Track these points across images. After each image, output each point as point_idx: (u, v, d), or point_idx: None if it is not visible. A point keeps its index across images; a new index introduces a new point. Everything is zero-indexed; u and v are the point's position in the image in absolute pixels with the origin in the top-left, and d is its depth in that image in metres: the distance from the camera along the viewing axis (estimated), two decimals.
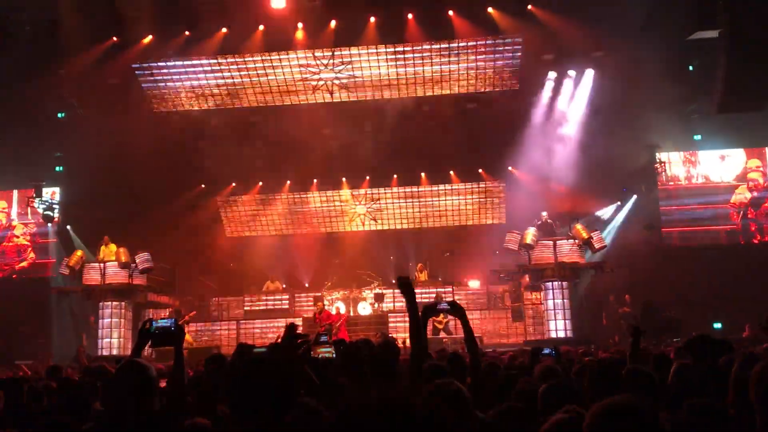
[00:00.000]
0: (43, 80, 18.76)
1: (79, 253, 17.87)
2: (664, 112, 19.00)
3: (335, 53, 19.53)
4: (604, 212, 20.82)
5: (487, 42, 19.19)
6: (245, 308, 20.00)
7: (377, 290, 19.19)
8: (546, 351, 7.05)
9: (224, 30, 19.16)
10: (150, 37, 19.36)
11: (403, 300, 4.01)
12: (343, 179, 22.35)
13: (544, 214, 18.38)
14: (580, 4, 17.26)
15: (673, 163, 21.50)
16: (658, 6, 17.43)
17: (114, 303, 17.50)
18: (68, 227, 21.27)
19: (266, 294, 20.24)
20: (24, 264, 22.39)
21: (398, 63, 19.65)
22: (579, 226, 17.24)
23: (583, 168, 19.01)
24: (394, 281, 21.29)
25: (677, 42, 18.08)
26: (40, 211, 20.70)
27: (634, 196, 20.96)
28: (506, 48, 19.33)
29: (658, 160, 20.86)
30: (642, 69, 17.73)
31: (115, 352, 16.70)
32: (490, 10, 18.53)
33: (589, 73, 19.98)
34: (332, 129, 21.09)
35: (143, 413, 3.04)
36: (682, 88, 18.81)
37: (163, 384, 3.91)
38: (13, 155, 20.02)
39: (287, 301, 19.93)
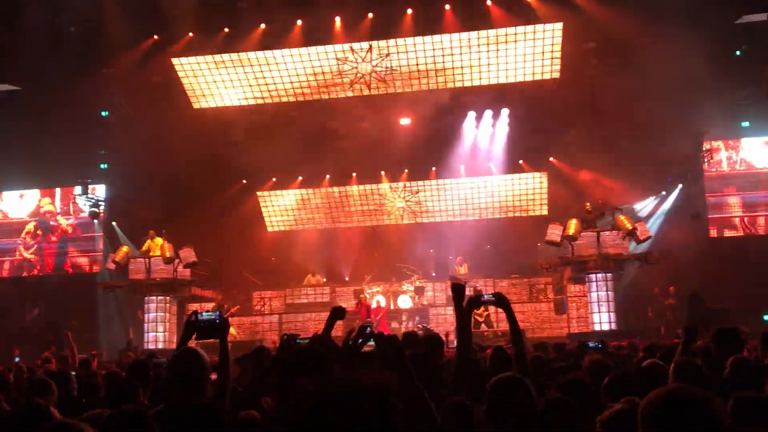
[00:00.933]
0: (88, 80, 19.15)
1: (124, 248, 18.22)
2: (711, 98, 18.49)
3: (372, 45, 19.52)
4: (643, 205, 20.33)
5: (527, 30, 18.94)
6: (286, 302, 20.17)
7: (417, 283, 19.16)
8: (592, 345, 6.97)
9: (263, 26, 19.31)
10: (190, 34, 19.63)
11: (446, 293, 4.03)
12: (382, 172, 22.35)
13: (588, 205, 18.06)
14: None
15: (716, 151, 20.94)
16: None
17: (159, 297, 17.82)
18: (113, 223, 21.70)
19: (307, 287, 20.39)
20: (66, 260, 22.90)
21: (436, 54, 19.53)
22: (623, 217, 16.94)
23: (626, 157, 18.66)
24: (434, 274, 21.28)
25: (724, 26, 17.59)
26: (86, 208, 21.15)
27: (680, 186, 20.50)
28: (546, 36, 19.05)
29: (704, 148, 20.30)
30: (687, 54, 17.24)
31: (161, 345, 17.02)
32: None
33: (632, 60, 19.55)
34: (371, 122, 21.11)
35: (197, 401, 3.07)
36: (730, 74, 18.29)
37: (213, 377, 3.96)
38: (58, 153, 20.47)
39: (328, 295, 20.05)
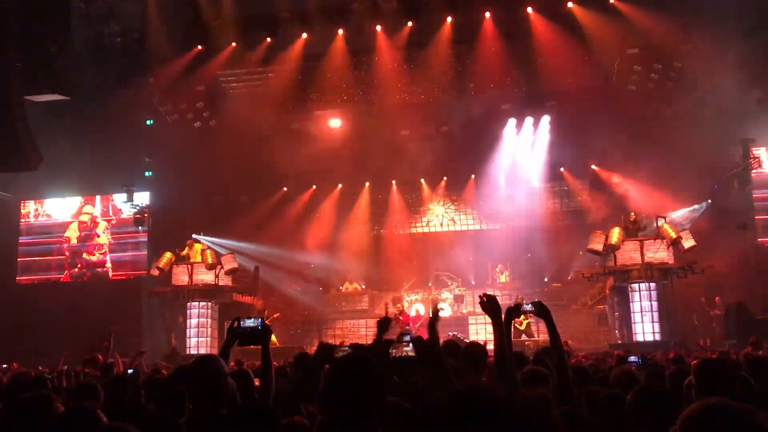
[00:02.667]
0: (133, 89, 19.58)
1: (168, 255, 18.50)
2: (758, 104, 18.05)
3: (412, 54, 19.56)
4: (687, 212, 19.83)
5: (568, 37, 18.78)
6: (325, 308, 20.27)
7: (457, 291, 19.08)
8: (632, 359, 6.75)
9: (304, 35, 19.51)
10: (233, 44, 19.94)
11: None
12: (422, 180, 22.33)
13: (632, 213, 17.74)
14: None
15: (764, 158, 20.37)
16: None
17: (201, 303, 18.06)
18: (157, 230, 22.06)
19: (346, 295, 20.45)
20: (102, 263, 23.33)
21: (476, 61, 19.47)
22: (666, 225, 16.61)
23: (669, 165, 18.30)
24: (473, 282, 21.16)
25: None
26: (131, 215, 21.55)
27: (725, 192, 19.99)
28: (588, 43, 18.85)
29: (751, 156, 19.78)
30: (730, 60, 16.87)
31: (202, 350, 17.22)
32: (570, 5, 18.15)
33: (676, 66, 19.23)
34: (410, 130, 21.15)
35: (220, 406, 3.11)
36: None
37: (256, 382, 4.00)
38: (103, 161, 20.89)
39: (366, 302, 20.08)
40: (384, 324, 3.98)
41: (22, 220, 23.45)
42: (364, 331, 18.82)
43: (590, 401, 3.68)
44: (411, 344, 4.75)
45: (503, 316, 4.05)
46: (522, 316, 15.45)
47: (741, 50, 16.48)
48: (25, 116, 16.65)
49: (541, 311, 4.18)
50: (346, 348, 3.82)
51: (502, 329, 3.97)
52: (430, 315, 4.18)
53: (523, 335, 16.72)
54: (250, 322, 3.86)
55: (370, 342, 4.22)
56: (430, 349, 3.90)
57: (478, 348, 4.56)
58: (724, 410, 1.89)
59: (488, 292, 4.10)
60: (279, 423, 3.09)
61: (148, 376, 5.70)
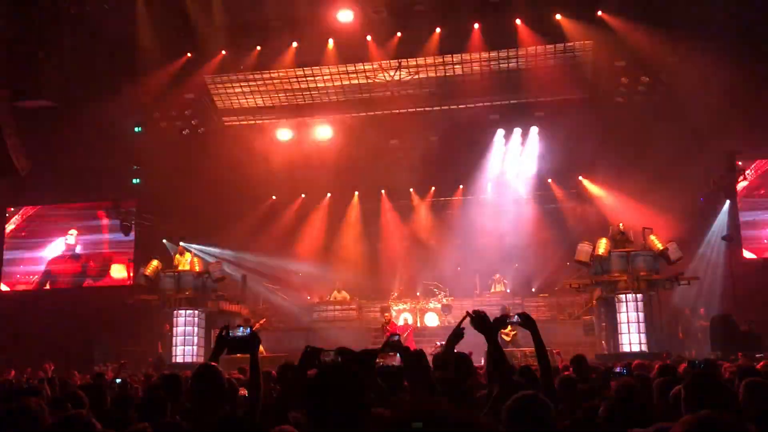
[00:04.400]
0: (121, 96, 19.50)
1: (154, 262, 18.38)
2: (743, 117, 18.22)
3: (401, 64, 19.64)
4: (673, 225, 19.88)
5: (556, 49, 18.93)
6: (313, 317, 20.21)
7: (444, 301, 19.08)
8: (618, 370, 6.81)
9: (294, 44, 19.54)
10: (223, 52, 19.93)
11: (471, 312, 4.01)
12: (411, 189, 22.38)
13: (621, 224, 17.78)
14: (652, 9, 16.82)
15: (749, 171, 20.54)
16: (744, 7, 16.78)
17: (188, 311, 17.95)
18: (164, 240, 21.87)
19: (334, 303, 20.41)
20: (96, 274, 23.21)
21: (465, 72, 19.59)
22: (653, 237, 16.71)
23: (656, 177, 18.44)
24: (459, 293, 21.18)
25: (755, 43, 17.37)
26: (117, 222, 21.44)
27: (712, 206, 20.15)
28: (576, 55, 19.02)
29: (737, 168, 19.93)
30: (717, 73, 16.99)
31: (189, 359, 17.12)
32: (558, 17, 18.30)
33: (663, 79, 19.41)
34: (399, 140, 21.22)
35: (222, 416, 3.11)
36: (762, 92, 18.00)
37: (242, 392, 3.98)
38: (91, 169, 20.79)
39: (354, 311, 20.05)
40: (372, 354, 3.94)
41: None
42: (351, 340, 18.76)
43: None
44: (398, 354, 4.75)
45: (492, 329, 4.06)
46: (509, 327, 15.50)
47: (727, 64, 16.66)
48: (12, 123, 16.57)
49: (527, 323, 4.21)
50: (332, 351, 3.77)
51: (496, 344, 4.00)
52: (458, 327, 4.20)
53: (510, 345, 16.71)
54: (239, 332, 3.86)
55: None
56: (417, 361, 3.92)
57: (462, 357, 4.62)
58: (717, 423, 1.90)
59: (476, 309, 4.11)
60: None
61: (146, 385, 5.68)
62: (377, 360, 4.27)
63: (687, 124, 18.29)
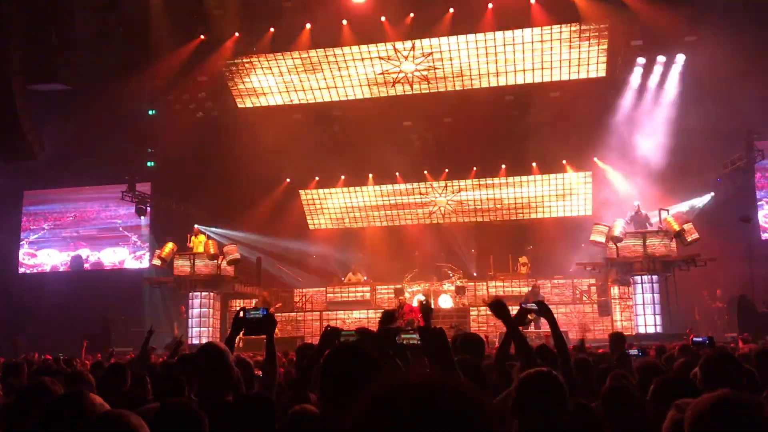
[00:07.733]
0: (136, 79, 19.54)
1: (170, 245, 18.50)
2: (762, 97, 17.93)
3: (415, 45, 19.51)
4: (690, 205, 19.72)
5: (572, 28, 18.70)
6: (328, 299, 20.28)
7: (458, 282, 19.07)
8: (633, 352, 6.74)
9: (308, 26, 19.45)
10: (236, 34, 19.88)
11: (485, 293, 4.00)
12: (425, 171, 22.33)
13: (637, 203, 17.62)
14: None
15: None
16: None
17: (203, 293, 18.09)
18: (159, 220, 22.09)
19: (348, 285, 20.47)
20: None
21: (479, 52, 19.43)
22: (670, 218, 16.59)
23: (674, 157, 18.26)
24: (475, 274, 21.17)
25: None
26: (133, 204, 21.58)
27: (728, 186, 19.92)
28: (592, 34, 18.78)
29: (755, 149, 19.65)
30: (736, 52, 16.71)
31: (204, 340, 17.25)
32: None
33: (681, 59, 19.14)
34: (413, 121, 21.14)
35: (225, 392, 3.12)
36: None
37: (258, 373, 4.00)
38: (106, 151, 20.90)
39: (369, 293, 20.09)
40: (388, 315, 3.97)
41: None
42: (366, 322, 18.81)
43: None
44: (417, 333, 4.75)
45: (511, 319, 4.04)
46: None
47: (746, 43, 16.39)
48: (27, 106, 16.64)
49: (542, 310, 4.21)
50: (352, 332, 3.78)
51: (516, 330, 3.98)
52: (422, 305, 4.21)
53: (532, 326, 16.68)
54: (255, 314, 3.89)
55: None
56: (438, 338, 3.90)
57: (475, 338, 4.65)
58: (735, 402, 1.89)
59: (496, 297, 4.10)
60: (277, 412, 3.09)
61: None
62: (397, 338, 4.27)
63: (704, 104, 18.02)
